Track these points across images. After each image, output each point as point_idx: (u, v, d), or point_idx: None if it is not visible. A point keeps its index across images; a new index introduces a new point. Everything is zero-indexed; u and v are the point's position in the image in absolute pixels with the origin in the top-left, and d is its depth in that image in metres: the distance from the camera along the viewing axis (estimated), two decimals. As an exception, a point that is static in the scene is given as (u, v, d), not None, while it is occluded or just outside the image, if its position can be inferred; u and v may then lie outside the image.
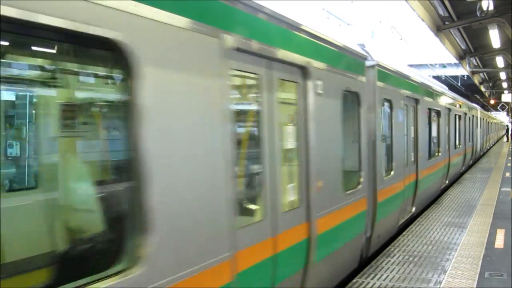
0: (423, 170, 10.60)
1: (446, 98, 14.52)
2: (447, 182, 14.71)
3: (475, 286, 5.85)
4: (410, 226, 9.22)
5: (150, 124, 2.74)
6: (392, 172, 8.14)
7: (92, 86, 4.20)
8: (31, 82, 4.22)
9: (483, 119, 30.67)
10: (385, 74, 7.84)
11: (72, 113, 4.12)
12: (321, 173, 5.10)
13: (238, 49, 3.72)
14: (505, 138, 59.42)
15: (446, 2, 14.68)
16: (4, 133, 4.39)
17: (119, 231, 3.04)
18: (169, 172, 2.92)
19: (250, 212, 4.30)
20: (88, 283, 2.47)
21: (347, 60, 6.25)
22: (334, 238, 5.61)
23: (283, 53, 4.38)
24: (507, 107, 58.44)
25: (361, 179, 6.55)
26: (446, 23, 16.55)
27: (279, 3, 4.47)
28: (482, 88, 37.36)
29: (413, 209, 9.96)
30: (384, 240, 8.15)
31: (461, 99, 19.87)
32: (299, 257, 4.77)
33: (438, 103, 12.84)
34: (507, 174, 17.99)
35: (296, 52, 4.64)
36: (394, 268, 6.62)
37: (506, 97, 37.77)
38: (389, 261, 6.95)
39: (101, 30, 2.45)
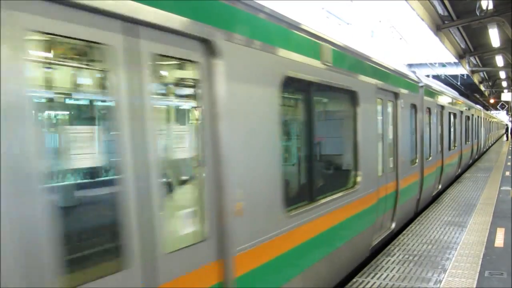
0: (448, 157, 14.70)
1: (459, 103, 18.28)
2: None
3: (475, 285, 5.85)
4: (410, 226, 9.23)
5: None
6: (430, 157, 11.85)
7: None
8: None
9: (486, 119, 34.01)
10: (428, 92, 11.65)
11: None
12: (404, 153, 8.99)
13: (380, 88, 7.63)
14: (504, 137, 59.43)
15: (446, 2, 14.69)
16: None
17: None
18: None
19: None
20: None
21: (412, 86, 9.96)
22: (406, 193, 9.18)
23: (388, 86, 8.03)
24: (506, 106, 58.47)
25: (417, 160, 10.31)
26: (446, 22, 16.56)
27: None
28: (482, 87, 37.36)
29: (440, 186, 13.43)
30: (424, 204, 11.54)
31: (469, 102, 23.93)
32: (392, 201, 8.30)
33: (454, 108, 16.63)
34: (507, 173, 18.00)
35: (392, 85, 8.30)
36: (394, 267, 6.63)
37: (505, 96, 37.83)
38: (389, 260, 6.95)
39: None
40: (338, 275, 5.95)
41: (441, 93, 13.64)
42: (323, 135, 6.03)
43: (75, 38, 2.52)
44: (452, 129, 15.92)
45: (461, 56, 22.77)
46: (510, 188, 13.86)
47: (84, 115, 3.17)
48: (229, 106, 3.62)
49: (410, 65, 32.20)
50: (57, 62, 2.75)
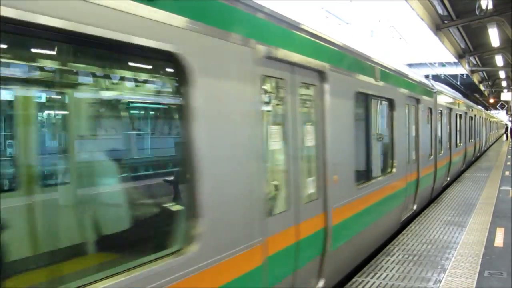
0: (455, 153, 16.48)
1: (464, 105, 20.35)
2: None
3: (474, 285, 5.85)
4: (410, 225, 9.23)
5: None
6: (442, 153, 13.62)
7: None
8: None
9: (486, 119, 36.20)
10: (440, 96, 13.56)
11: None
12: (423, 148, 10.85)
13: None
14: (504, 137, 59.41)
15: (446, 1, 14.69)
16: None
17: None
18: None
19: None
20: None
21: (429, 92, 12.04)
22: (424, 181, 10.84)
23: (413, 94, 9.95)
24: (506, 105, 58.47)
25: (432, 154, 12.25)
26: (446, 22, 16.55)
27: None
28: (482, 87, 37.35)
29: (448, 178, 15.18)
30: (437, 193, 13.11)
31: (473, 104, 26.36)
32: (414, 186, 9.90)
33: (460, 109, 18.54)
34: (507, 173, 18.00)
35: (416, 93, 10.28)
36: (394, 267, 6.62)
37: (505, 96, 37.83)
38: (389, 260, 6.95)
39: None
40: (384, 236, 8.22)
41: (449, 96, 16.02)
42: (375, 132, 8.03)
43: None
44: (458, 129, 17.88)
45: (461, 55, 22.76)
46: (509, 188, 13.86)
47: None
48: (331, 111, 5.47)
49: (409, 65, 32.16)
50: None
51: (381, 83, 7.57)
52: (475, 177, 17.14)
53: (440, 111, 13.51)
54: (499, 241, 7.89)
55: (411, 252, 7.35)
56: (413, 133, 10.13)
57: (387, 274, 6.31)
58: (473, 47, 21.95)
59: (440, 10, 15.69)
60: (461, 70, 33.76)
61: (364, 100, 7.10)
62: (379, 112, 8.30)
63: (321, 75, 5.27)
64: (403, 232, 8.70)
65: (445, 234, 8.45)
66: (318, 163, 5.26)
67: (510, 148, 35.51)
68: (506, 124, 69.16)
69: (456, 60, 24.19)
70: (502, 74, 30.65)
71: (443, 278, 6.10)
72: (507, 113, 71.27)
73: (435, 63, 39.17)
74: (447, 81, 36.59)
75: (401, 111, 8.88)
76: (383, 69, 7.74)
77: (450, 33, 18.62)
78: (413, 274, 6.31)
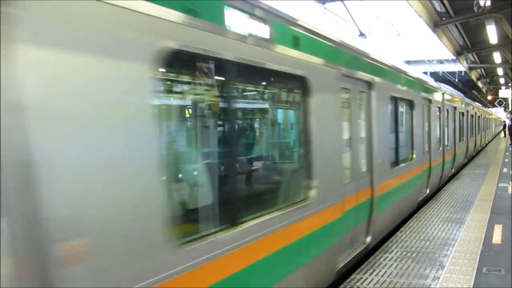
0: (458, 147, 18.38)
1: (466, 104, 22.50)
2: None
3: (473, 281, 5.85)
4: (408, 222, 9.23)
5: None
6: (448, 146, 15.49)
7: None
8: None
9: (485, 116, 38.52)
10: (446, 97, 15.52)
11: None
12: (434, 141, 12.69)
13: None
14: (502, 134, 59.42)
15: (443, -2, 14.67)
16: None
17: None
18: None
19: None
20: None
21: (438, 93, 13.83)
22: (435, 170, 12.77)
23: (427, 95, 11.86)
24: (504, 102, 58.49)
25: (440, 147, 14.09)
26: (444, 19, 16.53)
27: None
28: (480, 84, 37.38)
29: (453, 170, 16.96)
30: (444, 181, 14.87)
31: (474, 103, 28.87)
32: (427, 173, 11.81)
33: (463, 108, 20.50)
34: (505, 170, 18.03)
35: (429, 94, 12.08)
36: (392, 264, 6.63)
37: (503, 93, 37.87)
38: (387, 257, 6.96)
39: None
40: (405, 212, 9.78)
41: (454, 97, 18.02)
42: (402, 130, 9.82)
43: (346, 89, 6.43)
44: (461, 125, 19.80)
45: (459, 53, 22.76)
46: (507, 185, 13.89)
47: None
48: (375, 110, 7.29)
49: (408, 62, 32.13)
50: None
51: (404, 88, 9.59)
52: (473, 174, 17.16)
53: (447, 110, 15.39)
54: (497, 237, 7.90)
55: (409, 249, 7.35)
56: (426, 129, 11.94)
57: (386, 271, 6.31)
58: (471, 44, 21.94)
59: (438, 7, 15.67)
60: (459, 67, 33.75)
61: (394, 102, 8.91)
62: (403, 111, 10.09)
63: (369, 85, 7.20)
64: (401, 229, 8.71)
65: (443, 231, 8.46)
66: (367, 150, 7.10)
67: (508, 145, 35.56)
68: (504, 121, 69.18)
69: (454, 57, 24.18)
70: (500, 71, 30.69)
71: (441, 275, 6.11)
72: (505, 110, 71.34)
73: (433, 60, 39.13)
74: (445, 78, 36.58)
75: (418, 110, 10.74)
76: (406, 76, 9.83)
77: (448, 30, 18.62)
78: (412, 271, 6.32)
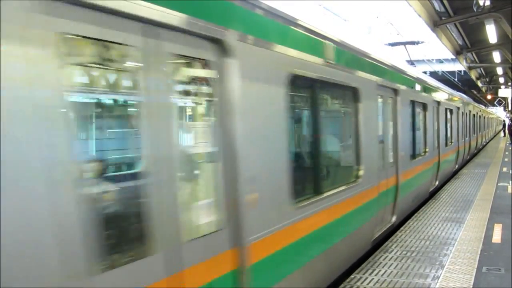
0: (461, 145, 19.46)
1: (468, 104, 23.58)
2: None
3: (472, 281, 5.86)
4: (408, 222, 9.24)
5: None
6: (452, 143, 16.69)
7: None
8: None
9: (486, 116, 39.17)
10: (453, 98, 17.27)
11: None
12: (442, 138, 14.06)
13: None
14: (501, 133, 59.41)
15: (443, -2, 14.67)
16: None
17: None
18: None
19: None
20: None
21: (444, 95, 15.28)
22: (444, 164, 14.20)
23: (436, 98, 13.36)
24: (503, 102, 58.50)
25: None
26: (443, 18, 16.53)
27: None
28: (479, 83, 37.39)
29: (457, 166, 18.14)
30: (450, 175, 16.13)
31: (475, 103, 29.61)
32: (437, 167, 13.16)
33: (465, 108, 21.63)
34: (504, 169, 18.04)
35: (437, 97, 13.48)
36: (392, 263, 6.63)
37: (502, 92, 37.87)
38: (387, 256, 6.96)
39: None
40: (420, 199, 11.13)
41: (458, 98, 19.50)
42: (417, 128, 11.12)
43: None
44: (464, 124, 21.08)
45: (459, 52, 22.76)
46: (507, 184, 13.90)
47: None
48: (400, 112, 8.81)
49: (407, 61, 32.07)
50: None
51: (419, 93, 11.03)
52: (473, 173, 17.17)
53: (451, 111, 16.79)
54: (497, 237, 7.91)
55: (409, 248, 7.36)
56: (436, 127, 13.29)
57: (386, 271, 6.32)
58: (470, 43, 21.95)
59: (437, 6, 15.67)
60: (459, 66, 33.76)
61: (412, 105, 10.29)
62: (419, 112, 11.40)
63: (395, 92, 8.64)
64: (401, 228, 8.72)
65: (443, 230, 8.47)
66: (394, 144, 8.54)
67: (507, 145, 35.57)
68: (503, 121, 69.16)
69: (453, 57, 24.18)
70: (499, 71, 30.72)
71: (441, 274, 6.12)
72: (504, 110, 71.32)
73: (432, 59, 39.12)
74: (445, 77, 36.58)
75: (430, 111, 12.21)
76: (421, 82, 11.30)
77: (447, 29, 18.62)
78: (411, 270, 6.32)
